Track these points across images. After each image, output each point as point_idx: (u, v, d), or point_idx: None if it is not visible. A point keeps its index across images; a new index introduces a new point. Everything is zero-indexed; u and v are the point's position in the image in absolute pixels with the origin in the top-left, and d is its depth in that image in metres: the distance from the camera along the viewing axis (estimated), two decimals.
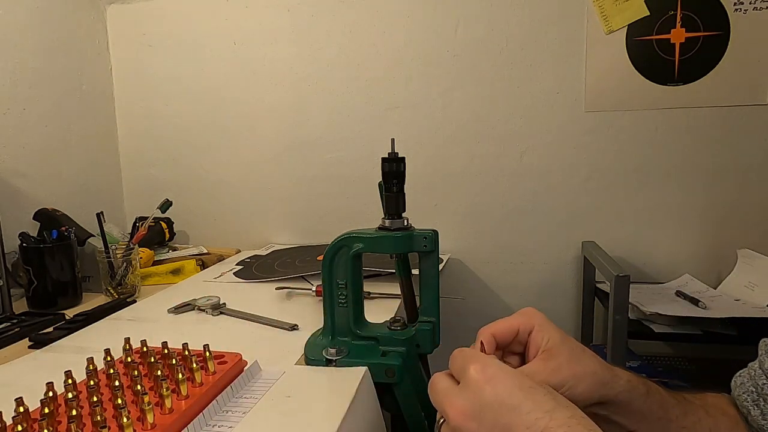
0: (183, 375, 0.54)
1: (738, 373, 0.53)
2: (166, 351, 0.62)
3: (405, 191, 0.67)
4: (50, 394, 0.53)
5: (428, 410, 0.68)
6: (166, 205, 1.19)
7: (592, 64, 1.24)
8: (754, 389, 0.51)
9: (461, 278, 1.38)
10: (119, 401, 0.50)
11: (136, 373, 0.56)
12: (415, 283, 0.72)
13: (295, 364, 0.69)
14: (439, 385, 0.41)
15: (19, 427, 0.48)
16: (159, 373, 0.56)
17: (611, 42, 1.23)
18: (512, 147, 1.31)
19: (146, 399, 0.49)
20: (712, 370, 1.25)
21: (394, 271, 0.74)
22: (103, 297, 1.03)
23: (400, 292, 0.72)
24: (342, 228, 0.72)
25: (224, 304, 0.92)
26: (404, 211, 0.67)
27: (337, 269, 0.69)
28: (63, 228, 1.01)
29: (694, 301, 1.07)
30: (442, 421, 0.40)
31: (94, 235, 1.11)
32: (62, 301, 0.98)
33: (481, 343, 0.47)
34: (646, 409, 0.47)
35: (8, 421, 0.49)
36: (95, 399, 0.52)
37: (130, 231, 1.33)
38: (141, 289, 1.07)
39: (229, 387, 0.59)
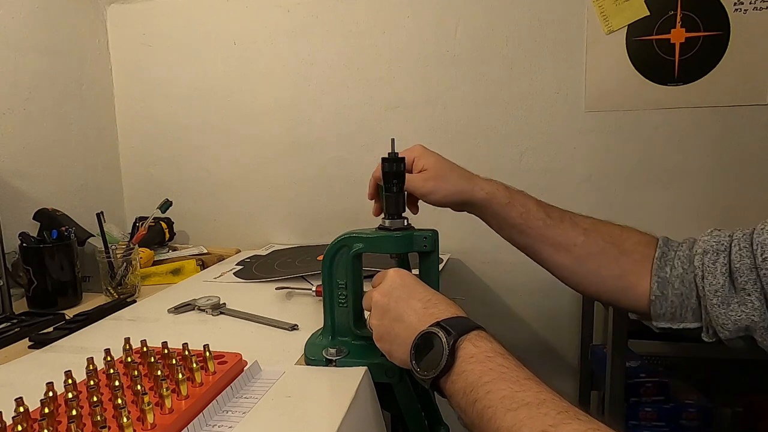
0: (183, 375, 0.54)
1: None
2: (166, 351, 0.62)
3: (405, 191, 0.67)
4: (50, 394, 0.53)
5: (428, 410, 0.68)
6: (166, 205, 1.19)
7: (592, 64, 1.24)
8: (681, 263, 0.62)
9: (461, 278, 1.38)
10: (119, 401, 0.50)
11: (136, 373, 0.56)
12: None
13: (295, 364, 0.69)
14: (368, 293, 0.60)
15: (19, 427, 0.48)
16: (159, 373, 0.56)
17: (611, 42, 1.23)
18: (512, 147, 1.31)
19: (146, 399, 0.49)
20: (712, 370, 1.25)
21: None
22: (103, 297, 1.03)
23: None
24: (342, 228, 0.72)
25: (224, 304, 0.92)
26: (404, 211, 0.67)
27: (337, 269, 0.69)
28: (63, 228, 1.01)
29: None
30: (369, 314, 0.59)
31: (94, 235, 1.11)
32: (62, 301, 0.98)
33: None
34: (503, 214, 0.68)
35: (8, 421, 0.49)
36: (95, 399, 0.52)
37: (130, 231, 1.33)
38: (141, 289, 1.07)
39: (229, 387, 0.59)
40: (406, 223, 0.67)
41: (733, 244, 0.58)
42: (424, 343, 0.50)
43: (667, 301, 0.61)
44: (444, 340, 0.47)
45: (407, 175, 0.65)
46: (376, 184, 0.72)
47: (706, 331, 0.60)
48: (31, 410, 0.50)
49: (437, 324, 0.49)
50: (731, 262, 0.57)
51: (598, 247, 0.65)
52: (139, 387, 0.53)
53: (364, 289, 0.74)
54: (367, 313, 0.60)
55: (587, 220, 0.68)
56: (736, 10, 1.17)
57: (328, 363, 0.67)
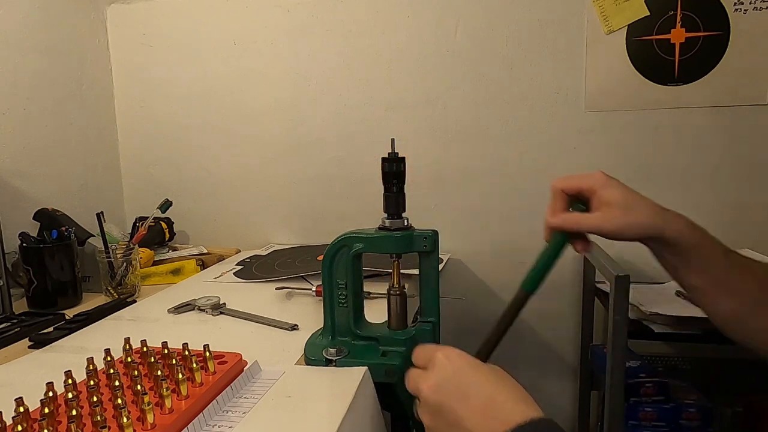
0: (183, 375, 0.54)
1: None
2: (166, 351, 0.62)
3: (405, 191, 0.67)
4: (50, 394, 0.53)
5: None
6: (166, 205, 1.19)
7: (592, 64, 1.24)
8: None
9: (461, 278, 1.38)
10: (119, 401, 0.50)
11: (136, 373, 0.56)
12: (415, 283, 0.72)
13: (295, 364, 0.69)
14: (412, 374, 0.51)
15: (19, 427, 0.48)
16: (159, 373, 0.56)
17: (611, 42, 1.23)
18: (512, 147, 1.31)
19: (146, 399, 0.49)
20: (712, 370, 1.25)
21: None
22: (103, 297, 1.03)
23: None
24: (342, 228, 0.72)
25: (224, 304, 0.92)
26: (404, 211, 0.67)
27: (337, 269, 0.69)
28: (63, 228, 1.01)
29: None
30: (417, 402, 0.49)
31: (94, 235, 1.11)
32: (62, 301, 0.98)
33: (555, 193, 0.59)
34: (686, 255, 0.57)
35: (8, 421, 0.49)
36: (95, 399, 0.52)
37: (130, 231, 1.33)
38: (141, 289, 1.07)
39: (229, 387, 0.59)
40: (406, 223, 0.67)
41: None
42: None
43: None
44: None
45: (588, 214, 0.56)
46: (563, 195, 0.60)
47: None
48: (31, 410, 0.50)
49: None
50: None
51: None
52: (139, 387, 0.53)
53: (365, 290, 0.74)
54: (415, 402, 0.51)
55: (763, 267, 0.61)
56: (736, 10, 1.17)
57: (328, 363, 0.67)
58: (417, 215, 0.75)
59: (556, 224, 0.58)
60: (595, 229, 0.56)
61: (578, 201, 0.58)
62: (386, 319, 0.71)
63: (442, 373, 0.48)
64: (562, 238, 0.57)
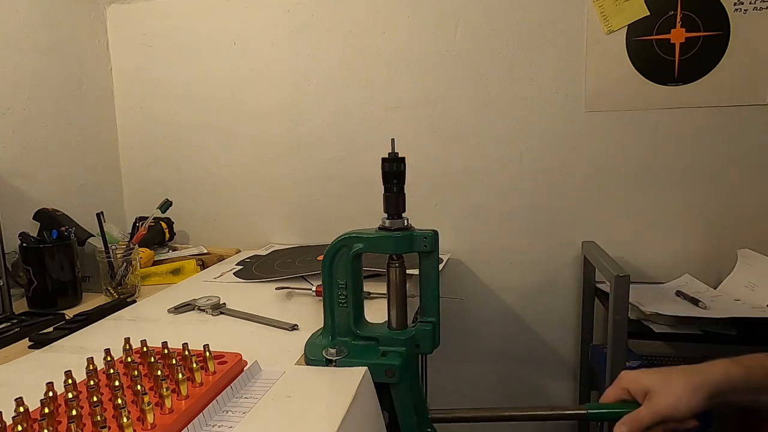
0: (183, 375, 0.54)
1: None
2: (166, 351, 0.62)
3: (405, 191, 0.67)
4: (50, 394, 0.53)
5: (419, 411, 0.68)
6: (166, 205, 1.19)
7: (592, 64, 1.24)
8: None
9: (461, 278, 1.38)
10: (119, 401, 0.50)
11: (136, 373, 0.56)
12: (415, 283, 0.72)
13: (295, 364, 0.69)
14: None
15: (19, 427, 0.48)
16: (159, 373, 0.56)
17: (611, 42, 1.23)
18: (512, 147, 1.31)
19: (146, 399, 0.49)
20: None
21: None
22: (103, 297, 1.03)
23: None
24: (342, 228, 0.72)
25: (224, 304, 0.92)
26: (404, 211, 0.67)
27: (337, 269, 0.69)
28: (63, 228, 1.01)
29: (694, 301, 1.07)
30: None
31: (94, 235, 1.11)
32: (62, 301, 0.98)
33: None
34: (746, 380, 0.58)
35: (8, 421, 0.49)
36: (95, 399, 0.52)
37: (130, 231, 1.33)
38: (141, 289, 1.07)
39: (229, 387, 0.59)
40: (406, 223, 0.67)
41: None
42: None
43: None
44: None
45: (642, 410, 0.58)
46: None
47: None
48: (31, 410, 0.50)
49: None
50: None
51: None
52: (139, 387, 0.53)
53: (365, 290, 0.74)
54: None
55: None
56: (736, 10, 1.17)
57: (328, 363, 0.67)
58: (417, 215, 0.75)
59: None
60: (654, 419, 0.57)
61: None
62: (386, 315, 0.71)
63: None
64: None
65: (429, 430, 0.69)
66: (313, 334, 0.75)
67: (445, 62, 1.31)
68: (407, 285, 0.70)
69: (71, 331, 0.83)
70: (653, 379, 0.58)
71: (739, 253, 1.20)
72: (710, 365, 0.58)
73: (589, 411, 0.64)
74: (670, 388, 0.57)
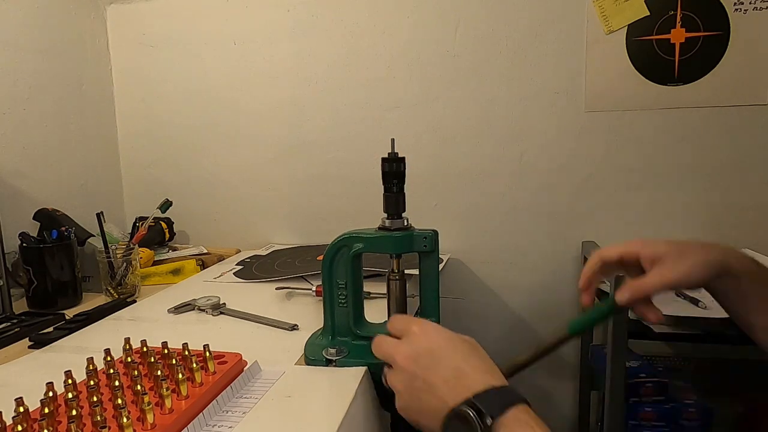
0: (183, 375, 0.54)
1: None
2: (166, 351, 0.62)
3: (405, 191, 0.67)
4: (50, 394, 0.53)
5: None
6: (166, 205, 1.19)
7: (592, 64, 1.24)
8: None
9: (461, 278, 1.38)
10: (119, 401, 0.50)
11: (136, 373, 0.56)
12: (415, 283, 0.72)
13: (295, 364, 0.69)
14: (385, 341, 0.53)
15: (19, 427, 0.48)
16: (159, 373, 0.56)
17: (611, 42, 1.23)
18: (512, 147, 1.31)
19: (146, 399, 0.49)
20: (712, 370, 1.25)
21: None
22: (103, 297, 1.03)
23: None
24: (342, 228, 0.72)
25: (224, 304, 0.92)
26: (404, 211, 0.67)
27: (337, 269, 0.69)
28: (63, 228, 1.01)
29: (694, 301, 1.07)
30: (386, 368, 0.52)
31: (94, 235, 1.11)
32: (62, 301, 0.98)
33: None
34: (748, 286, 0.56)
35: (8, 421, 0.49)
36: (95, 399, 0.52)
37: (130, 231, 1.33)
38: (141, 289, 1.07)
39: (229, 387, 0.59)
40: (406, 223, 0.67)
41: None
42: (455, 422, 0.45)
43: None
44: (476, 422, 0.43)
45: (647, 277, 0.56)
46: (601, 265, 0.63)
47: None
48: (31, 410, 0.50)
49: (470, 402, 0.44)
50: None
51: None
52: (139, 387, 0.53)
53: (365, 290, 0.74)
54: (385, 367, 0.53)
55: None
56: (736, 10, 1.17)
57: (328, 363, 0.67)
58: (417, 215, 0.75)
59: (624, 301, 0.57)
60: (660, 285, 0.55)
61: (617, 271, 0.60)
62: (386, 315, 0.71)
63: (417, 344, 0.51)
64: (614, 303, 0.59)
65: None
66: (313, 334, 0.75)
67: (445, 62, 1.31)
68: (407, 285, 0.70)
69: (71, 331, 0.83)
70: (670, 247, 0.56)
71: None
72: (729, 248, 0.56)
73: (570, 331, 0.61)
74: (684, 258, 0.54)
